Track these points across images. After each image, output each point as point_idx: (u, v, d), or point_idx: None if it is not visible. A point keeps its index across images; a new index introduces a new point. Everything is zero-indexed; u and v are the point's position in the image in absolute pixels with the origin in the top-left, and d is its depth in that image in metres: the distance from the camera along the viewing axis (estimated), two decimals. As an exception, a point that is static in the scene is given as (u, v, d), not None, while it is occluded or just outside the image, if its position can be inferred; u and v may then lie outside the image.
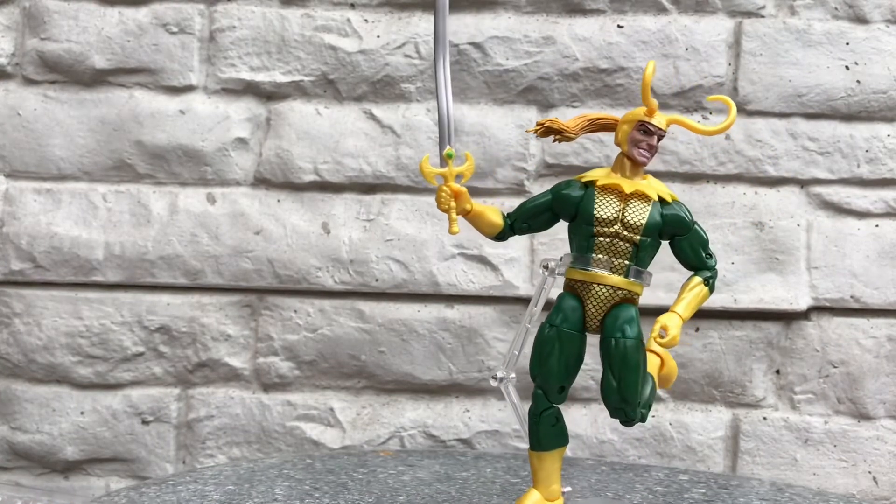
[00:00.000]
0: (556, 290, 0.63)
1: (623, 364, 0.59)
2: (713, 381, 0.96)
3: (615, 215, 0.60)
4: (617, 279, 0.60)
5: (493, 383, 0.66)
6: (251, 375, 0.98)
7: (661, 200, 0.61)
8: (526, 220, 0.64)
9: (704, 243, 0.62)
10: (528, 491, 0.64)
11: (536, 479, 0.63)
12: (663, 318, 0.59)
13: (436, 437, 0.97)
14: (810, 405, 0.96)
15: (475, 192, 0.97)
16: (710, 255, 0.63)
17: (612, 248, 0.61)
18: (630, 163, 0.62)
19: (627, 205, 0.61)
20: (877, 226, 0.96)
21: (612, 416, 0.61)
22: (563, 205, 0.62)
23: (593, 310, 0.61)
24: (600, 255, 0.61)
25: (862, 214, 0.96)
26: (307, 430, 0.97)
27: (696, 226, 0.62)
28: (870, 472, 0.95)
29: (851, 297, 0.95)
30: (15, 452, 0.98)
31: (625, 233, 0.60)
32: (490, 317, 0.96)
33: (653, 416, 0.96)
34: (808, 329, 0.96)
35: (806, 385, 0.96)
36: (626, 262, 0.60)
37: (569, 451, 0.96)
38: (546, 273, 0.64)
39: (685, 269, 0.63)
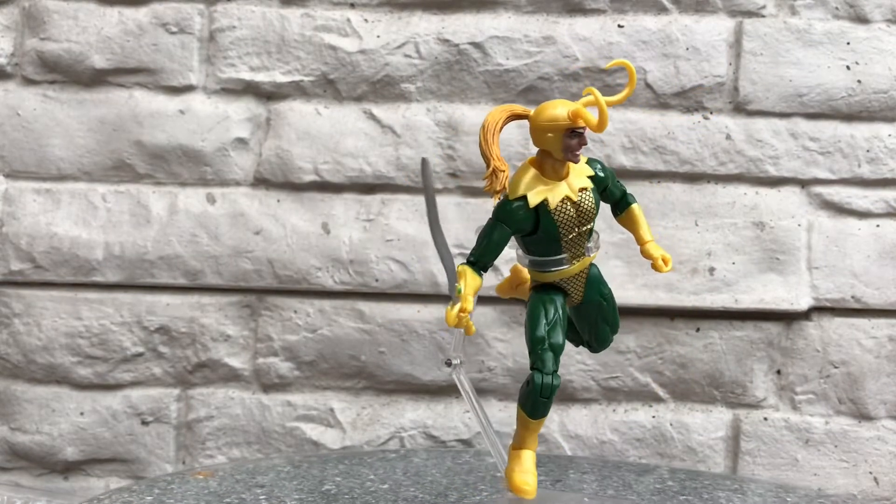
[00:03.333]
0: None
1: (613, 312, 0.67)
2: (714, 382, 0.96)
3: (574, 221, 0.62)
4: (584, 261, 0.64)
5: (448, 370, 0.68)
6: (251, 376, 0.98)
7: (590, 177, 0.64)
8: (494, 257, 0.64)
9: (616, 178, 0.67)
10: (521, 454, 0.64)
11: (528, 441, 0.64)
12: (657, 253, 0.65)
13: (436, 437, 0.97)
14: (811, 405, 0.96)
15: (476, 192, 0.97)
16: (619, 181, 0.67)
17: (577, 242, 0.63)
18: (555, 160, 0.62)
19: (578, 206, 0.62)
20: (878, 226, 0.95)
21: (602, 350, 0.69)
22: (521, 228, 0.63)
23: (574, 293, 0.65)
24: (566, 254, 0.63)
25: (863, 214, 0.95)
26: (307, 430, 0.97)
27: (608, 170, 0.66)
28: (871, 473, 0.95)
29: (852, 297, 0.95)
30: (14, 453, 0.98)
31: (584, 228, 0.63)
32: (490, 317, 0.96)
33: (653, 417, 0.96)
34: (808, 329, 0.96)
35: (807, 385, 0.96)
36: (586, 245, 0.64)
37: (568, 450, 0.96)
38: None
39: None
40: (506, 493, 0.67)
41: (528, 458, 0.64)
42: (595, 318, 0.67)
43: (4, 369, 0.97)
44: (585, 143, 0.62)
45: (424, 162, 0.60)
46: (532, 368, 0.62)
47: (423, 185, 0.60)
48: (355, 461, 0.84)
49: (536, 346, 0.62)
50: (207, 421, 0.97)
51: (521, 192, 0.62)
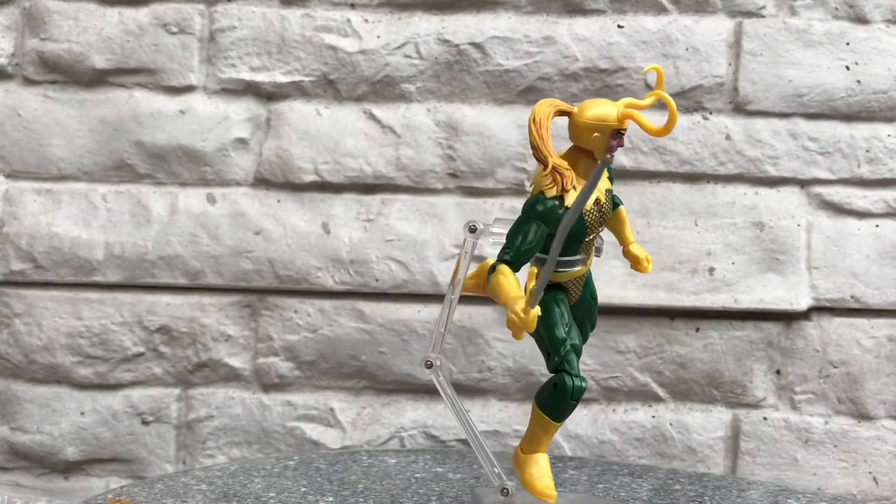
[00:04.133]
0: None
1: (596, 312, 0.68)
2: (713, 382, 0.96)
3: (598, 223, 0.63)
4: (590, 261, 0.65)
5: (428, 372, 0.66)
6: (251, 376, 0.98)
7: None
8: (531, 257, 0.61)
9: None
10: (537, 458, 0.63)
11: (543, 444, 0.63)
12: (642, 253, 0.67)
13: (436, 437, 0.97)
14: (811, 405, 0.96)
15: (475, 192, 0.97)
16: None
17: (591, 243, 0.64)
18: (590, 160, 0.62)
19: (601, 207, 0.62)
20: (877, 226, 0.95)
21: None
22: (555, 227, 0.60)
23: (574, 293, 0.65)
24: (583, 255, 0.63)
25: (862, 214, 0.95)
26: (307, 430, 0.97)
27: (611, 170, 0.66)
28: (870, 473, 0.95)
29: (852, 297, 0.95)
30: (15, 453, 0.98)
31: (601, 229, 0.64)
32: (490, 317, 0.96)
33: (653, 417, 0.96)
34: (808, 329, 0.96)
35: (806, 385, 0.96)
36: (595, 246, 0.65)
37: (569, 450, 0.96)
38: (472, 237, 0.65)
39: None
40: (489, 493, 0.67)
41: (545, 461, 0.63)
42: (582, 318, 0.67)
43: (5, 369, 0.97)
44: (623, 146, 0.61)
45: (606, 161, 0.56)
46: (557, 371, 0.61)
47: (589, 181, 0.55)
48: (355, 460, 0.84)
49: (559, 347, 0.61)
50: (208, 421, 0.97)
51: (557, 190, 0.60)
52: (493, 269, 0.60)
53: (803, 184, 0.96)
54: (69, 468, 0.98)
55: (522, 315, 0.56)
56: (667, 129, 0.59)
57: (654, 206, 0.95)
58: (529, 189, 0.62)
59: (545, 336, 0.62)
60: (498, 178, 0.96)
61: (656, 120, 0.64)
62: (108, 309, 0.97)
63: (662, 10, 0.96)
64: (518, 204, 0.95)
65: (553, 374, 0.62)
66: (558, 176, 0.59)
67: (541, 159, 0.60)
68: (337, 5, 0.97)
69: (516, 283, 0.58)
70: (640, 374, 0.96)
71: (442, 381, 0.66)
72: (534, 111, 0.60)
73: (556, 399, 0.61)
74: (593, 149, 0.61)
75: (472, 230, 0.65)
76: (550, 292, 0.63)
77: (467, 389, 0.97)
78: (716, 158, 0.95)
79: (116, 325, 0.97)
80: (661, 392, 0.96)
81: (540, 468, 0.62)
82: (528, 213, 0.60)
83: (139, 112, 0.97)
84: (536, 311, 0.56)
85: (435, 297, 0.96)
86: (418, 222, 0.96)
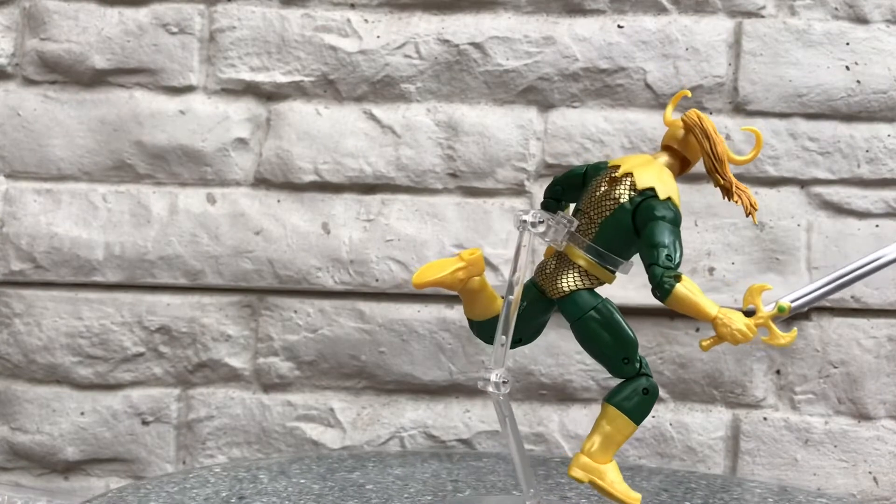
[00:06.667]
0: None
1: None
2: (713, 382, 0.96)
3: None
4: None
5: (500, 391, 0.59)
6: (251, 376, 0.98)
7: None
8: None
9: None
10: (616, 465, 0.61)
11: (614, 451, 0.61)
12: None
13: (436, 437, 0.97)
14: (810, 405, 0.96)
15: (475, 191, 0.97)
16: None
17: None
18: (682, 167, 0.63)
19: None
20: (877, 226, 0.95)
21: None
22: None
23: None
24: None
25: (862, 214, 0.95)
26: (307, 430, 0.97)
27: None
28: (870, 473, 0.95)
29: (852, 297, 0.95)
30: (15, 453, 0.98)
31: None
32: (490, 317, 0.96)
33: (653, 417, 0.96)
34: (808, 329, 0.96)
35: (806, 385, 0.96)
36: None
37: (569, 451, 0.96)
38: (526, 229, 0.60)
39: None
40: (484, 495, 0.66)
41: (613, 468, 0.61)
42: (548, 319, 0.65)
43: (5, 369, 0.97)
44: None
45: None
46: (639, 375, 0.60)
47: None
48: (355, 461, 0.84)
49: (636, 350, 0.60)
50: (208, 421, 0.97)
51: (745, 211, 0.60)
52: (665, 281, 0.59)
53: (803, 184, 0.96)
54: (69, 468, 0.98)
55: (752, 331, 0.56)
56: (750, 159, 0.61)
57: (654, 206, 0.95)
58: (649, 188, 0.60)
59: (617, 340, 0.60)
60: (498, 178, 0.96)
61: (656, 119, 0.64)
62: (108, 309, 0.97)
63: (662, 10, 0.96)
64: (518, 203, 0.95)
65: (632, 379, 0.60)
66: (744, 195, 0.61)
67: (724, 175, 0.61)
68: (337, 5, 0.98)
69: (702, 295, 0.59)
70: (640, 374, 0.96)
71: (503, 402, 0.60)
72: (706, 123, 0.60)
73: (648, 404, 0.60)
74: (696, 160, 0.62)
75: (541, 221, 0.60)
76: (596, 295, 0.62)
77: (467, 390, 0.97)
78: (716, 158, 0.95)
79: (116, 325, 0.97)
80: (661, 392, 0.96)
81: (620, 475, 0.61)
82: (673, 220, 0.60)
83: (139, 112, 0.97)
84: (794, 330, 0.56)
85: (435, 298, 0.96)
86: (418, 222, 0.96)
